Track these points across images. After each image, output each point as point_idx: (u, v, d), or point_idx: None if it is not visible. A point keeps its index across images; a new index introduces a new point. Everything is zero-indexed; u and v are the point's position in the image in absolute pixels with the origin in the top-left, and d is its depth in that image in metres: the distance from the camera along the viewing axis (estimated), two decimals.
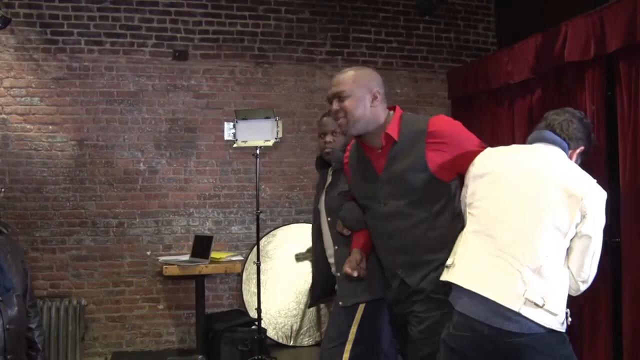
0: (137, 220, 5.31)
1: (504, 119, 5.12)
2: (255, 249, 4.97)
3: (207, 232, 5.32)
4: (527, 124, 4.78)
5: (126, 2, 5.29)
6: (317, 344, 5.44)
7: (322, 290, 3.30)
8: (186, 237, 5.37)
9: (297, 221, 5.60)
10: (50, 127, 5.15)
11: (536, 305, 2.01)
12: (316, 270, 3.34)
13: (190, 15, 5.45)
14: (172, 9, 5.40)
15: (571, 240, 2.11)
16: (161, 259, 5.09)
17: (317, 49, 5.76)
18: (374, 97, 2.47)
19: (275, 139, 4.77)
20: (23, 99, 5.09)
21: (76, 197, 5.18)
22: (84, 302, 5.05)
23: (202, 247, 4.97)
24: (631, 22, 3.56)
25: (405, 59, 5.96)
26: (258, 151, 4.78)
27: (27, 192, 5.06)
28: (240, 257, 5.22)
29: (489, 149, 2.37)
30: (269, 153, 5.43)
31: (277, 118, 4.75)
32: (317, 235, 3.27)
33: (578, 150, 2.31)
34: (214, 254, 4.94)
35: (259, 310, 4.79)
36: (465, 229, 2.27)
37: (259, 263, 4.83)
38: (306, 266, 5.40)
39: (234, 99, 5.52)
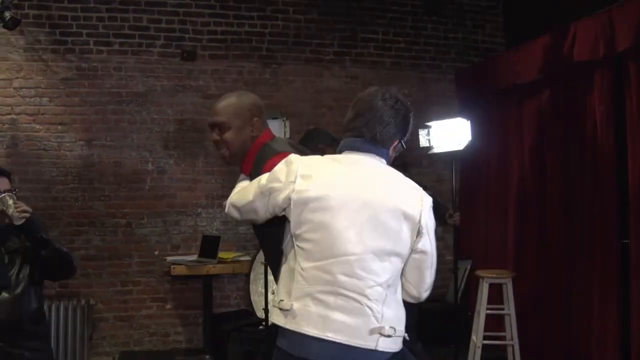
0: (145, 220, 5.33)
1: (512, 120, 5.11)
2: None
3: (214, 232, 5.32)
4: (536, 124, 4.77)
5: (135, 3, 5.31)
6: None
7: None
8: (194, 237, 5.37)
9: None
10: (59, 127, 5.17)
11: (389, 336, 1.92)
12: None
13: (198, 15, 5.46)
14: (181, 10, 5.42)
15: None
16: (169, 258, 5.11)
17: (325, 50, 5.75)
18: (254, 127, 2.38)
19: None
20: (32, 99, 5.12)
21: (85, 197, 5.21)
22: (92, 301, 5.07)
23: (209, 247, 4.98)
24: None
25: (413, 60, 5.95)
26: None
27: (35, 191, 5.08)
28: (247, 257, 5.23)
29: (302, 161, 2.03)
30: None
31: (285, 118, 4.75)
32: None
33: (395, 143, 2.09)
34: (221, 254, 4.95)
35: (266, 310, 4.79)
36: (294, 264, 1.98)
37: (267, 263, 4.84)
38: None
39: None
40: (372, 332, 1.91)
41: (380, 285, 1.93)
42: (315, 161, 2.07)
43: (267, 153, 2.33)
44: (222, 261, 4.94)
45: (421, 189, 2.06)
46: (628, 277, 3.79)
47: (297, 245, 1.99)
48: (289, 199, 1.98)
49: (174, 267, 4.89)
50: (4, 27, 4.52)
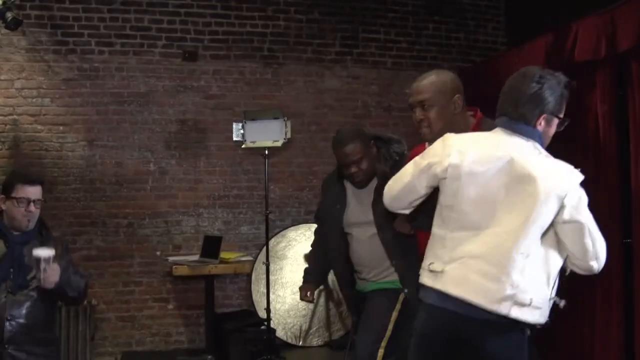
0: (147, 220, 5.33)
1: None
2: (264, 249, 4.97)
3: (216, 233, 5.32)
4: None
5: (136, 4, 5.31)
6: (326, 344, 5.44)
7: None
8: (196, 238, 5.37)
9: (306, 221, 5.59)
10: (61, 127, 5.17)
11: (523, 305, 2.07)
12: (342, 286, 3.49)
13: (199, 16, 5.46)
14: (182, 10, 5.42)
15: (558, 228, 2.12)
16: (171, 259, 5.10)
17: (327, 50, 5.75)
18: (456, 104, 2.49)
19: (284, 139, 4.78)
20: (34, 99, 5.12)
21: (86, 198, 5.21)
22: (94, 302, 5.07)
23: (211, 247, 4.98)
24: None
25: (415, 59, 5.94)
26: (267, 152, 4.80)
27: None
28: (249, 258, 5.23)
29: (457, 138, 2.25)
30: (279, 153, 5.43)
31: (286, 118, 4.76)
32: (341, 249, 3.29)
33: (541, 120, 2.20)
34: (223, 254, 4.95)
35: (268, 310, 4.80)
36: (446, 232, 2.22)
37: (268, 263, 4.84)
38: None
39: (243, 100, 5.52)
40: (505, 298, 2.05)
41: (520, 253, 2.07)
42: (469, 138, 2.25)
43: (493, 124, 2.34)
44: (224, 261, 4.94)
45: (569, 167, 2.16)
46: (631, 277, 3.78)
47: (448, 215, 2.20)
48: (446, 170, 2.18)
49: (175, 268, 4.89)
50: (6, 27, 4.53)
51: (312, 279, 3.56)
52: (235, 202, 5.52)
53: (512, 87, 2.23)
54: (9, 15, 4.42)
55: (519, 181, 2.09)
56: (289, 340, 5.40)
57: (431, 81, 2.52)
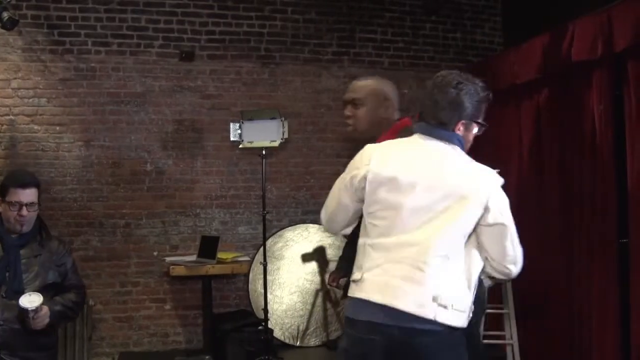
0: (144, 220, 5.32)
1: (510, 119, 5.11)
2: (261, 249, 4.97)
3: (213, 233, 5.32)
4: (534, 124, 4.77)
5: (133, 3, 5.30)
6: (324, 345, 5.44)
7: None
8: (193, 238, 5.37)
9: (303, 222, 5.59)
10: (58, 128, 5.16)
11: (446, 307, 2.04)
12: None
13: (196, 16, 5.45)
14: (179, 10, 5.41)
15: (480, 230, 2.12)
16: (168, 259, 5.10)
17: (324, 50, 5.75)
18: (386, 109, 2.67)
19: (281, 139, 4.78)
20: (30, 100, 5.11)
21: (83, 198, 5.20)
22: (91, 302, 5.05)
23: (208, 247, 4.98)
24: (639, 21, 3.54)
25: (412, 59, 5.94)
26: (264, 152, 4.80)
27: None
28: (246, 258, 5.23)
29: (376, 147, 2.27)
30: (276, 153, 5.43)
31: (283, 118, 4.76)
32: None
33: (459, 125, 2.19)
34: (220, 255, 4.95)
35: (265, 310, 4.80)
36: (366, 240, 2.19)
37: (266, 263, 4.84)
38: (313, 266, 5.41)
39: (240, 100, 5.52)
40: (428, 301, 2.03)
41: (439, 256, 2.06)
42: (390, 145, 2.27)
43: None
44: (221, 261, 4.94)
45: (489, 171, 2.17)
46: (627, 277, 3.78)
47: (370, 223, 2.18)
48: (365, 178, 2.17)
49: (173, 268, 4.89)
50: (2, 27, 4.50)
51: (342, 270, 3.83)
52: (233, 202, 5.52)
53: (430, 92, 2.20)
54: (5, 15, 4.40)
55: (438, 187, 2.09)
56: (287, 341, 5.40)
57: (367, 83, 2.71)
